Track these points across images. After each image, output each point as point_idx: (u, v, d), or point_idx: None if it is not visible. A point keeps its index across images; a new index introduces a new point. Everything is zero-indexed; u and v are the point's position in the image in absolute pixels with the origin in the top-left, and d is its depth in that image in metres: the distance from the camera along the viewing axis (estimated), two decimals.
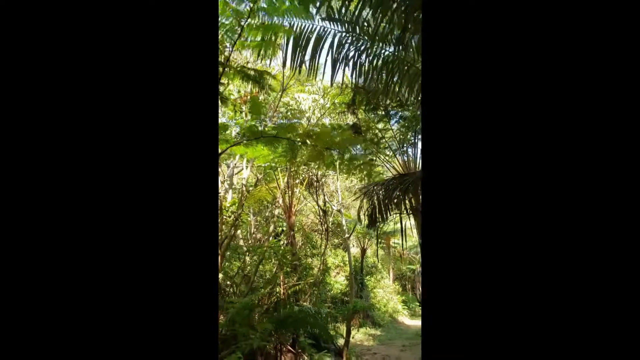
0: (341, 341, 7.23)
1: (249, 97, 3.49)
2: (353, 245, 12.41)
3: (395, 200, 4.24)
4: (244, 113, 4.06)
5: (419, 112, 6.47)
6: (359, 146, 9.42)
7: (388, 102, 6.18)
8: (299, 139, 3.22)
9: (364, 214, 4.82)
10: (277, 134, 3.16)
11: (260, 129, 3.26)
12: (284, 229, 7.41)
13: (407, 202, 4.26)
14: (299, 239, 9.22)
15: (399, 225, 13.47)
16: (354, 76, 3.46)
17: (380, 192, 4.46)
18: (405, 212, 4.24)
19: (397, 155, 6.83)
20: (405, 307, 14.25)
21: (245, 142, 3.16)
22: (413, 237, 16.87)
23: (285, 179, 6.65)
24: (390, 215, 4.67)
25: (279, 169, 6.89)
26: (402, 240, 5.15)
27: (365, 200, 4.88)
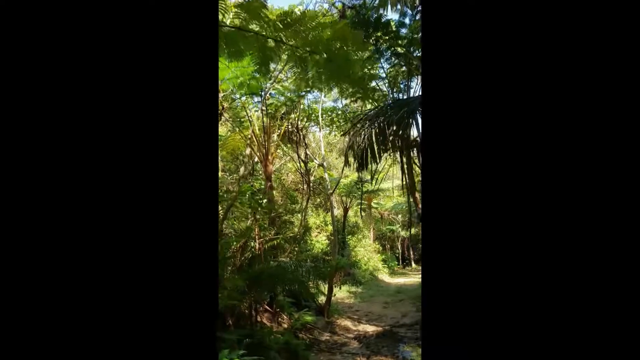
0: (322, 299, 6.73)
1: None
2: (335, 207, 11.88)
3: (391, 138, 3.46)
4: None
5: (415, 54, 5.58)
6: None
7: (379, 33, 5.22)
8: (272, 34, 2.30)
9: (354, 156, 4.05)
10: (241, 25, 2.22)
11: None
12: (262, 186, 6.60)
13: (404, 136, 3.48)
14: (278, 196, 8.47)
15: (380, 185, 12.94)
16: None
17: (374, 125, 3.63)
18: (405, 147, 3.48)
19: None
20: (385, 265, 14.08)
21: None
22: (393, 198, 16.57)
23: (257, 114, 5.70)
24: (386, 153, 3.89)
25: (252, 110, 5.94)
26: (402, 177, 4.42)
27: (355, 139, 4.07)
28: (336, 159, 14.48)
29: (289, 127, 7.28)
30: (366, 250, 12.67)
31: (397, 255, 17.96)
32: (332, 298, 6.84)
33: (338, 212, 12.24)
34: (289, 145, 8.52)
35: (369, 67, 5.57)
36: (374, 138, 3.57)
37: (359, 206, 15.53)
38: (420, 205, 5.29)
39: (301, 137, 6.88)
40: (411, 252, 18.79)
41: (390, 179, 15.50)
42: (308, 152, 7.51)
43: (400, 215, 18.60)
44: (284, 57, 4.92)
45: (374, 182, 11.01)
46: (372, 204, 16.25)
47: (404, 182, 5.27)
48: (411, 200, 5.48)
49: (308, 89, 5.58)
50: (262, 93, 5.43)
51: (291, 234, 6.40)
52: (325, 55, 2.49)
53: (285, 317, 5.54)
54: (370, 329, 5.86)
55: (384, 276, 12.98)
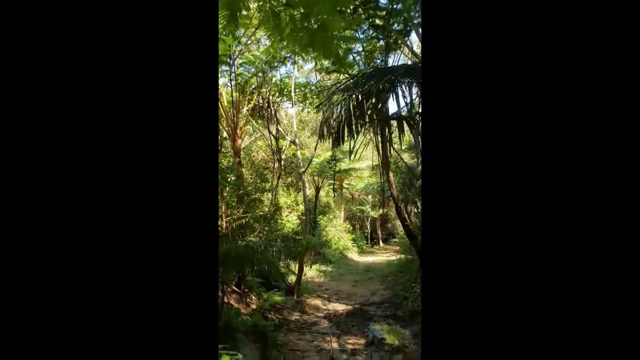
0: (292, 278, 6.62)
1: None
2: (307, 187, 11.65)
3: (369, 112, 3.22)
4: None
5: (394, 26, 5.32)
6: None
7: (358, 2, 4.90)
8: None
9: (329, 131, 3.77)
10: None
11: None
12: (231, 163, 6.19)
13: (383, 109, 3.26)
14: (248, 174, 8.11)
15: (352, 165, 12.83)
16: None
17: (352, 97, 3.37)
18: (384, 120, 3.25)
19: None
20: (355, 244, 14.25)
21: None
22: (364, 179, 16.64)
23: (225, 86, 5.28)
24: (364, 127, 3.65)
25: (220, 80, 5.46)
26: (379, 156, 4.21)
27: (330, 113, 3.79)
28: (308, 137, 14.13)
29: (260, 101, 6.86)
30: (337, 230, 12.69)
31: (366, 234, 18.25)
32: (302, 277, 6.75)
33: (309, 192, 12.07)
34: (259, 122, 8.10)
35: (348, 43, 5.26)
36: (351, 110, 3.32)
37: (331, 186, 15.46)
38: (393, 185, 5.20)
39: (272, 111, 6.50)
40: (379, 232, 19.20)
41: (362, 160, 15.48)
42: (280, 128, 7.16)
43: (370, 196, 18.80)
44: (255, 21, 4.47)
45: (349, 160, 10.82)
46: (344, 184, 16.24)
47: (380, 161, 5.13)
48: (384, 179, 5.39)
49: (281, 60, 5.20)
50: (230, 61, 4.99)
51: (261, 213, 6.13)
52: (302, 10, 2.19)
53: (253, 297, 5.36)
54: (340, 307, 5.84)
55: (354, 255, 13.14)
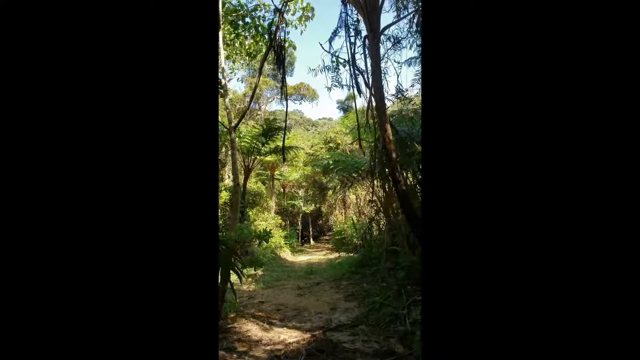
0: None
1: None
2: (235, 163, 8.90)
3: None
4: None
5: None
6: None
7: None
8: None
9: None
10: None
11: None
12: None
13: None
14: None
15: (294, 142, 10.53)
16: None
17: None
18: None
19: None
20: (287, 242, 11.99)
21: None
22: (298, 168, 14.56)
23: None
24: None
25: None
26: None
27: None
28: (242, 123, 11.26)
29: None
30: (268, 224, 10.27)
31: (298, 231, 16.13)
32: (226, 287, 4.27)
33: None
34: None
35: None
36: None
37: (261, 176, 12.94)
38: (392, 144, 3.16)
39: None
40: (310, 229, 17.30)
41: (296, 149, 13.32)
42: None
43: (302, 190, 16.79)
44: None
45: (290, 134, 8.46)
46: (275, 174, 13.86)
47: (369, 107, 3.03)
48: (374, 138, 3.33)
49: None
50: None
51: None
52: None
53: None
54: (291, 336, 3.53)
55: (286, 254, 10.86)
